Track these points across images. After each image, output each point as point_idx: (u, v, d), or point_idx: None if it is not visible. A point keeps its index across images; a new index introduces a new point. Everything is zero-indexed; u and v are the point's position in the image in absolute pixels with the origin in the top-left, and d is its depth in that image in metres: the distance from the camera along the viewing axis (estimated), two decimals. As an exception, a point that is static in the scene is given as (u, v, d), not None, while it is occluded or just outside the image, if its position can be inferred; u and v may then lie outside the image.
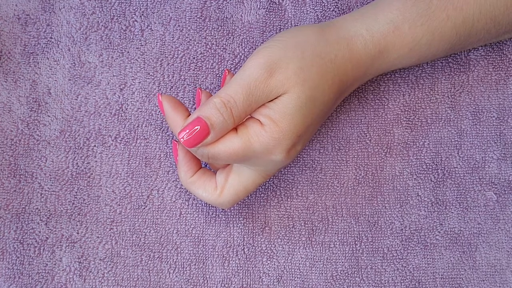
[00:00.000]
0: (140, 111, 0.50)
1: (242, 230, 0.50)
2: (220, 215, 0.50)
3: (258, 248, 0.50)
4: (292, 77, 0.41)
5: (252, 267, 0.50)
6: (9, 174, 0.50)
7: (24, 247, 0.49)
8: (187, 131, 0.41)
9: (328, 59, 0.42)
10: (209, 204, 0.50)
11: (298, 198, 0.51)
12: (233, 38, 0.51)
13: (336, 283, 0.50)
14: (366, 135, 0.51)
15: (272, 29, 0.51)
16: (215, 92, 0.51)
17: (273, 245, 0.50)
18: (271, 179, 0.51)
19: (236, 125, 0.42)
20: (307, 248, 0.50)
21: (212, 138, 0.41)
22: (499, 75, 0.52)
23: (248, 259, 0.50)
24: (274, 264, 0.50)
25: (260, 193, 0.51)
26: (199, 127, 0.41)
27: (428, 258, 0.50)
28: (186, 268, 0.50)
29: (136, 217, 0.50)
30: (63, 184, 0.50)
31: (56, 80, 0.51)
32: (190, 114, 0.45)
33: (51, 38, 0.51)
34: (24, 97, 0.51)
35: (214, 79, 0.51)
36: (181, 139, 0.41)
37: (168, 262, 0.50)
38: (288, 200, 0.51)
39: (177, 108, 0.45)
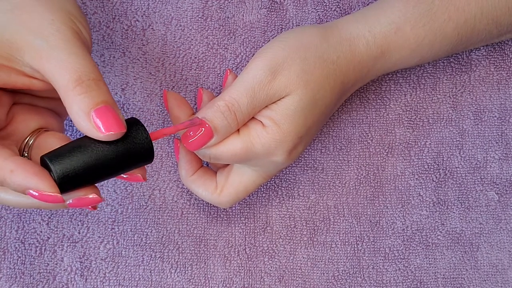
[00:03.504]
0: (142, 111, 0.50)
1: (244, 230, 0.50)
2: (222, 215, 0.50)
3: (259, 248, 0.50)
4: (295, 79, 0.41)
5: (254, 267, 0.50)
6: (10, 174, 0.50)
7: (26, 247, 0.49)
8: (191, 133, 0.41)
9: (330, 61, 0.42)
10: (210, 204, 0.50)
11: (300, 198, 0.51)
12: (234, 38, 0.51)
13: (338, 283, 0.50)
14: (368, 135, 0.51)
15: (273, 29, 0.51)
16: (217, 92, 0.51)
17: (274, 245, 0.50)
18: (272, 179, 0.51)
19: (239, 127, 0.42)
20: (308, 248, 0.50)
21: (215, 141, 0.41)
22: (500, 75, 0.52)
23: (249, 258, 0.50)
24: (276, 264, 0.50)
25: (262, 193, 0.51)
26: (203, 129, 0.41)
27: (429, 258, 0.50)
28: (187, 268, 0.50)
29: (138, 217, 0.50)
30: (65, 184, 0.50)
31: (57, 80, 0.51)
32: (194, 112, 0.45)
33: (52, 37, 0.51)
34: (25, 97, 0.51)
35: (216, 79, 0.51)
36: (184, 142, 0.41)
37: (169, 262, 0.50)
38: (290, 200, 0.51)
39: (182, 106, 0.45)
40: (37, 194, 0.33)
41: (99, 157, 0.34)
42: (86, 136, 0.35)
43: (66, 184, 0.34)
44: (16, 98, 0.39)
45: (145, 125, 0.50)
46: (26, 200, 0.36)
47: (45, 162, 0.34)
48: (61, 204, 0.35)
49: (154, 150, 0.37)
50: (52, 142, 0.38)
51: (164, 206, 0.50)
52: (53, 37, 0.35)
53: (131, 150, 0.35)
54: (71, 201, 0.35)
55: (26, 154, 0.37)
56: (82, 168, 0.34)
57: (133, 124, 0.36)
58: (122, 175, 0.37)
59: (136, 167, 0.37)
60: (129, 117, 0.50)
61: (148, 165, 0.50)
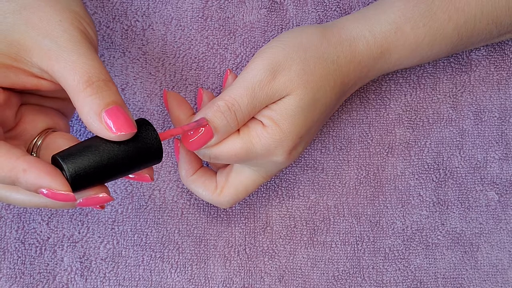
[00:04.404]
0: (142, 111, 0.50)
1: (244, 229, 0.50)
2: (222, 215, 0.50)
3: (259, 248, 0.50)
4: (295, 79, 0.41)
5: (254, 267, 0.50)
6: (10, 174, 0.50)
7: (26, 247, 0.49)
8: (191, 133, 0.41)
9: (330, 61, 0.42)
10: (210, 204, 0.50)
11: (300, 198, 0.51)
12: (234, 38, 0.51)
13: (338, 283, 0.50)
14: (368, 135, 0.51)
15: (273, 29, 0.51)
16: (217, 92, 0.51)
17: (274, 245, 0.50)
18: (272, 179, 0.51)
19: (239, 127, 0.42)
20: (308, 248, 0.50)
21: (215, 141, 0.41)
22: (500, 75, 0.52)
23: (249, 258, 0.50)
24: (276, 264, 0.50)
25: (262, 193, 0.51)
26: (203, 129, 0.41)
27: (429, 258, 0.50)
28: (187, 268, 0.50)
29: (138, 217, 0.50)
30: (65, 184, 0.50)
31: (57, 80, 0.51)
32: (194, 112, 0.45)
33: (52, 37, 0.51)
34: (25, 97, 0.51)
35: (216, 79, 0.51)
36: (184, 142, 0.41)
37: (169, 262, 0.50)
38: (290, 200, 0.51)
39: (182, 106, 0.45)
40: (49, 192, 0.33)
41: (110, 157, 0.35)
42: (96, 136, 0.35)
43: (77, 183, 0.34)
44: (24, 99, 0.40)
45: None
46: (37, 200, 0.36)
47: (57, 161, 0.35)
48: (70, 203, 0.35)
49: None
50: (60, 142, 0.38)
51: (164, 206, 0.50)
52: (62, 38, 0.35)
53: (141, 150, 0.36)
54: (81, 200, 0.35)
55: (34, 155, 0.38)
56: (94, 167, 0.35)
57: (142, 124, 0.37)
58: (129, 175, 0.37)
59: (145, 167, 0.37)
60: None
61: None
